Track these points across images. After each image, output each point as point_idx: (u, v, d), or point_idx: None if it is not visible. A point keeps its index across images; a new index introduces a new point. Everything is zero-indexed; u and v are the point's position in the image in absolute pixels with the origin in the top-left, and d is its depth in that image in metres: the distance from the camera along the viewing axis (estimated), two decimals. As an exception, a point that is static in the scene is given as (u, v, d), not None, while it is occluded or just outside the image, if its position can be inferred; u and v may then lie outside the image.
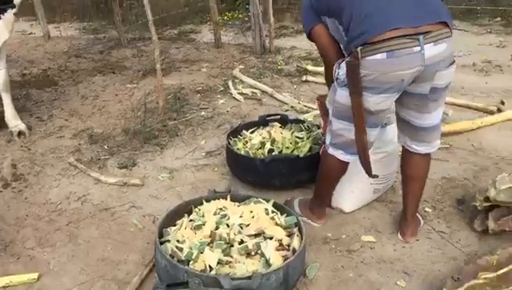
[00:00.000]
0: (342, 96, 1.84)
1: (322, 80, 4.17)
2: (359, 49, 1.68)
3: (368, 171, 1.96)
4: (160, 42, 5.79)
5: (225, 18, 6.73)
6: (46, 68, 5.09)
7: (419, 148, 2.00)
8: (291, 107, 3.75)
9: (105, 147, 3.24)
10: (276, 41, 5.34)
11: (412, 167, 2.06)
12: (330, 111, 1.99)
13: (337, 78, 1.85)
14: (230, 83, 4.30)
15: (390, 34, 1.65)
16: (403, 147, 2.08)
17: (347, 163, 2.04)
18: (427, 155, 2.05)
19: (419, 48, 1.66)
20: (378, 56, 1.67)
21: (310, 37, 2.04)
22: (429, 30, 1.67)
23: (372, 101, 1.77)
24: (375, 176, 2.02)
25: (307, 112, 3.59)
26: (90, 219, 2.46)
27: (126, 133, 3.38)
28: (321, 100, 2.48)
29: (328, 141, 2.05)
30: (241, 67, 4.75)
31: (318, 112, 2.83)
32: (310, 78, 4.30)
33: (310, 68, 4.51)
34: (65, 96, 4.28)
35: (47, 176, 2.91)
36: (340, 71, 1.82)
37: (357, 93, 1.75)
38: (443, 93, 1.86)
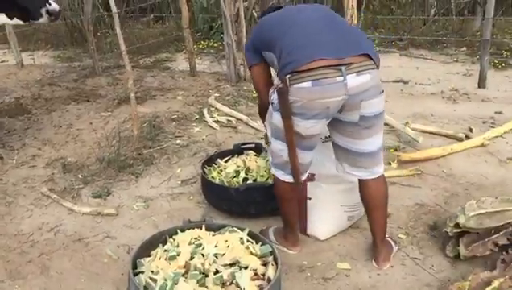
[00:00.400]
0: (277, 119, 1.96)
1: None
2: (288, 77, 1.83)
3: (298, 183, 2.10)
4: (135, 70, 5.83)
5: (200, 46, 6.81)
6: (19, 97, 5.03)
7: (359, 174, 2.08)
8: (265, 135, 3.78)
9: (79, 176, 3.20)
10: (251, 69, 5.42)
11: (366, 195, 2.12)
12: (269, 132, 2.11)
13: (272, 103, 1.97)
14: (205, 111, 4.33)
15: (315, 64, 1.79)
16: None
17: (291, 183, 2.10)
18: (379, 182, 2.10)
19: (341, 78, 1.80)
20: (304, 84, 1.81)
21: (249, 70, 2.25)
22: (351, 61, 1.82)
23: (302, 125, 1.89)
24: (308, 198, 2.16)
25: (282, 139, 3.63)
26: (63, 250, 2.41)
27: (101, 162, 3.36)
28: None
29: (270, 161, 2.17)
30: (216, 95, 4.80)
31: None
32: (285, 106, 4.36)
33: (284, 96, 4.58)
34: (38, 124, 4.23)
35: (19, 206, 2.85)
36: (274, 96, 1.94)
37: (287, 117, 1.88)
38: (375, 121, 1.96)
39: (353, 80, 1.81)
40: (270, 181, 2.61)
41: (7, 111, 4.55)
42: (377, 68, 1.89)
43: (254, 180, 2.65)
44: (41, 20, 3.09)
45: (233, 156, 2.94)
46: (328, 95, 1.81)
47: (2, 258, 2.35)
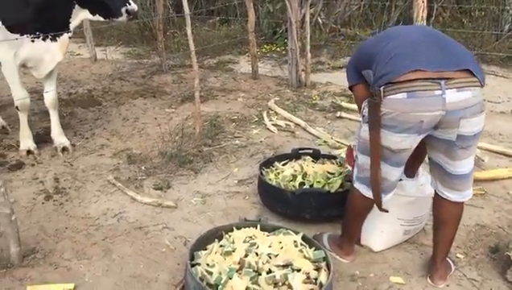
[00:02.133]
0: (365, 131, 1.95)
1: (356, 117, 4.24)
2: (382, 88, 1.79)
3: (378, 204, 2.03)
4: (200, 70, 5.99)
5: (263, 50, 6.90)
6: (91, 89, 5.34)
7: (450, 195, 2.01)
8: (324, 142, 3.79)
9: (143, 167, 3.36)
10: (312, 76, 5.44)
11: (444, 212, 2.07)
12: (357, 146, 2.09)
13: (363, 115, 1.96)
14: (265, 114, 4.39)
15: (412, 75, 1.74)
16: (435, 191, 2.09)
17: (372, 200, 2.07)
18: (460, 203, 2.04)
19: (440, 92, 1.73)
20: (399, 96, 1.76)
21: (351, 90, 2.24)
22: (452, 76, 1.74)
23: (392, 139, 1.84)
24: (385, 211, 2.06)
25: (339, 148, 3.63)
26: (125, 236, 2.55)
27: (163, 156, 3.50)
28: (351, 150, 2.54)
29: (354, 175, 2.13)
30: (276, 99, 4.85)
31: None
32: (344, 114, 4.35)
33: (344, 104, 4.57)
34: (107, 116, 4.47)
35: (87, 191, 3.04)
36: (365, 109, 1.93)
37: (375, 129, 1.85)
38: (472, 142, 1.87)
39: (453, 96, 1.73)
40: (327, 188, 2.63)
41: (80, 102, 4.85)
42: (481, 86, 1.79)
43: (311, 186, 2.67)
44: (120, 19, 3.26)
45: (290, 160, 2.98)
46: (423, 108, 1.75)
47: (69, 239, 2.53)
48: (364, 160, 2.01)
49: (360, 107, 2.15)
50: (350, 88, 2.22)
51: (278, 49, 6.94)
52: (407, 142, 1.86)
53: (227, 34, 7.54)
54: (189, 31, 3.69)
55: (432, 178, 2.08)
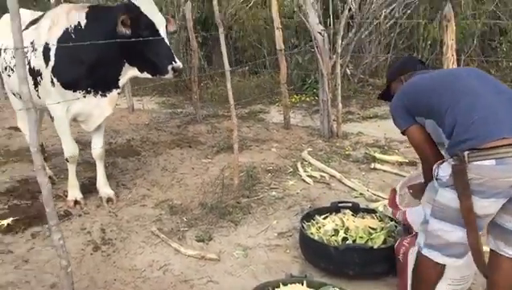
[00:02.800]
0: (444, 197, 1.88)
1: (391, 168, 4.30)
2: (466, 154, 1.76)
3: (484, 273, 1.97)
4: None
5: (293, 100, 7.09)
6: (130, 139, 5.57)
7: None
8: (360, 194, 3.84)
9: (184, 218, 3.47)
10: (343, 126, 5.56)
11: (501, 274, 2.03)
12: (428, 211, 2.00)
13: (438, 178, 1.90)
14: (299, 165, 4.49)
15: (498, 143, 1.74)
16: (492, 251, 2.06)
17: (444, 266, 2.01)
18: None
19: None
20: (487, 163, 1.75)
21: (404, 134, 2.19)
22: None
23: (479, 204, 1.80)
24: (486, 277, 2.02)
25: (376, 200, 3.67)
26: (172, 289, 2.62)
27: (203, 207, 3.61)
28: (394, 194, 2.58)
29: (421, 241, 2.04)
30: (309, 149, 4.96)
31: (387, 201, 2.94)
32: (378, 166, 4.40)
33: (378, 155, 4.63)
34: (147, 166, 4.64)
35: (133, 242, 3.15)
36: (441, 171, 1.89)
37: (467, 196, 1.79)
38: None
39: None
40: (370, 244, 2.67)
41: (120, 152, 5.06)
42: None
43: (353, 241, 2.71)
44: (166, 76, 3.46)
45: (330, 214, 3.04)
46: None
47: (119, 291, 2.62)
48: (438, 226, 1.93)
49: (422, 148, 2.12)
50: (403, 132, 2.18)
51: (307, 99, 7.12)
52: (494, 207, 1.84)
53: (257, 84, 7.79)
54: (229, 85, 3.88)
55: (491, 238, 2.04)
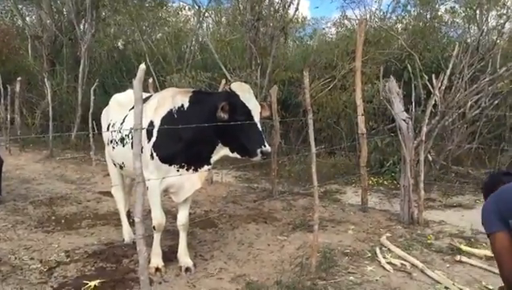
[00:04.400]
0: None
1: (479, 262, 4.03)
2: None
3: None
4: (307, 198, 6.23)
5: (370, 182, 7.00)
6: (208, 210, 5.74)
7: None
8: (445, 288, 3.61)
9: (260, 297, 3.44)
10: (424, 213, 5.35)
11: None
12: None
13: None
14: (378, 250, 4.34)
15: None
16: None
17: None
18: None
19: None
20: None
21: (489, 237, 2.18)
22: None
23: None
24: None
25: (464, 297, 3.43)
26: None
27: (280, 286, 3.57)
28: None
29: None
30: (388, 235, 4.80)
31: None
32: (464, 259, 4.14)
33: (464, 247, 4.37)
34: (224, 239, 4.73)
35: (210, 316, 3.16)
36: None
37: None
38: None
39: None
40: None
41: (198, 223, 5.21)
42: None
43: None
44: (255, 158, 3.64)
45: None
46: None
47: None
48: None
49: (500, 260, 2.08)
50: (489, 235, 2.16)
51: (385, 182, 7.01)
52: None
53: (333, 164, 7.83)
54: (314, 168, 3.94)
55: None
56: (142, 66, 2.68)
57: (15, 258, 4.01)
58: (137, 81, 2.63)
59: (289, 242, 4.64)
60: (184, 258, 3.91)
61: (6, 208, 5.61)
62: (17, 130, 10.86)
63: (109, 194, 6.18)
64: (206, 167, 3.78)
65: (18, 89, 10.75)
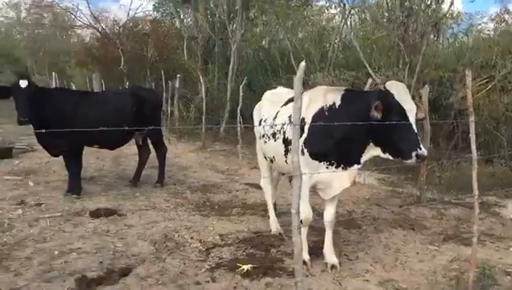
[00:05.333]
0: None
1: None
2: None
3: None
4: (459, 208, 5.77)
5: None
6: (351, 211, 5.69)
7: None
8: None
9: (410, 304, 3.30)
10: None
11: None
12: None
13: None
14: (548, 274, 3.84)
15: None
16: None
17: None
18: None
19: None
20: None
21: None
22: None
23: None
24: None
25: None
26: None
27: (432, 297, 3.38)
28: None
29: None
30: (560, 258, 4.21)
31: None
32: None
33: None
34: (368, 241, 4.64)
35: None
36: None
37: None
38: None
39: None
40: None
41: (342, 222, 5.19)
42: None
43: None
44: (408, 161, 3.49)
45: None
46: None
47: None
48: None
49: None
50: None
51: (556, 198, 6.15)
52: None
53: (492, 173, 7.12)
54: (475, 175, 3.63)
55: None
56: (303, 64, 2.75)
57: (178, 236, 4.47)
58: (297, 79, 2.72)
59: (440, 253, 4.36)
60: (330, 255, 3.94)
61: (168, 191, 6.27)
62: (175, 122, 12.05)
63: (255, 186, 6.54)
64: (356, 167, 3.75)
65: (177, 85, 11.90)
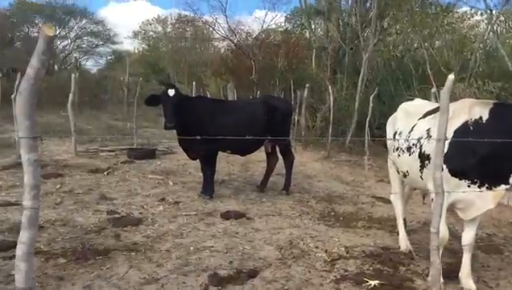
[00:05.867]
0: None
1: None
2: None
3: None
4: None
5: None
6: (491, 234, 5.18)
7: None
8: None
9: None
10: None
11: None
12: None
13: None
14: None
15: None
16: None
17: None
18: None
19: None
20: None
21: None
22: None
23: None
24: None
25: None
26: None
27: None
28: None
29: None
30: None
31: None
32: None
33: None
34: (511, 268, 4.17)
35: None
36: None
37: None
38: None
39: None
40: None
41: (481, 246, 4.74)
42: None
43: None
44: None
45: None
46: None
47: None
48: None
49: None
50: None
51: None
52: None
53: None
54: None
55: None
56: (451, 77, 2.61)
57: (303, 243, 4.52)
58: (445, 91, 2.59)
59: None
60: (467, 280, 3.63)
61: (294, 198, 6.39)
62: (301, 131, 12.22)
63: (382, 199, 6.33)
64: (503, 187, 3.41)
65: (305, 94, 12.07)
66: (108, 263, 3.86)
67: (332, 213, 5.72)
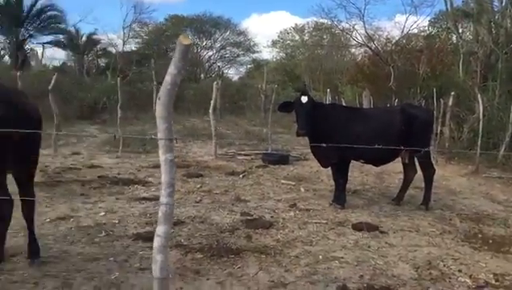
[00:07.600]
0: None
1: None
2: None
3: None
4: None
5: None
6: None
7: None
8: None
9: None
10: None
11: None
12: None
13: None
14: None
15: None
16: None
17: None
18: None
19: None
20: None
21: None
22: None
23: None
24: None
25: None
26: None
27: None
28: None
29: None
30: None
31: None
32: None
33: None
34: None
35: None
36: None
37: None
38: None
39: None
40: None
41: None
42: None
43: None
44: None
45: None
46: None
47: None
48: None
49: None
50: None
51: None
52: None
53: None
54: None
55: None
56: None
57: (443, 265, 4.11)
58: None
59: None
60: None
61: (434, 215, 5.88)
62: (445, 143, 11.26)
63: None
64: None
65: (450, 103, 11.10)
66: (239, 262, 3.98)
67: (480, 235, 5.11)
